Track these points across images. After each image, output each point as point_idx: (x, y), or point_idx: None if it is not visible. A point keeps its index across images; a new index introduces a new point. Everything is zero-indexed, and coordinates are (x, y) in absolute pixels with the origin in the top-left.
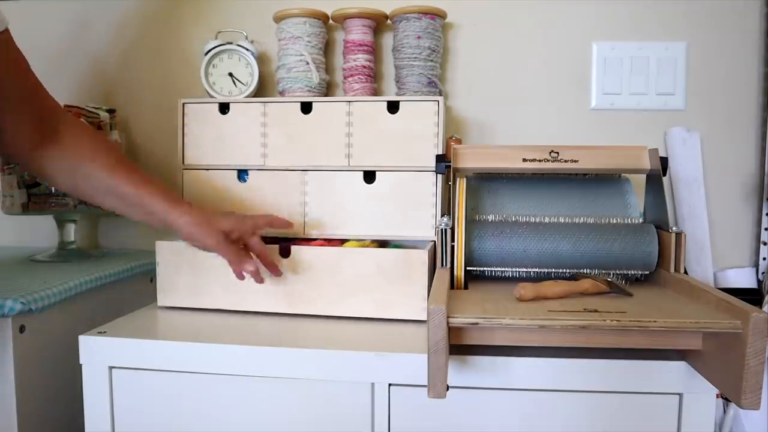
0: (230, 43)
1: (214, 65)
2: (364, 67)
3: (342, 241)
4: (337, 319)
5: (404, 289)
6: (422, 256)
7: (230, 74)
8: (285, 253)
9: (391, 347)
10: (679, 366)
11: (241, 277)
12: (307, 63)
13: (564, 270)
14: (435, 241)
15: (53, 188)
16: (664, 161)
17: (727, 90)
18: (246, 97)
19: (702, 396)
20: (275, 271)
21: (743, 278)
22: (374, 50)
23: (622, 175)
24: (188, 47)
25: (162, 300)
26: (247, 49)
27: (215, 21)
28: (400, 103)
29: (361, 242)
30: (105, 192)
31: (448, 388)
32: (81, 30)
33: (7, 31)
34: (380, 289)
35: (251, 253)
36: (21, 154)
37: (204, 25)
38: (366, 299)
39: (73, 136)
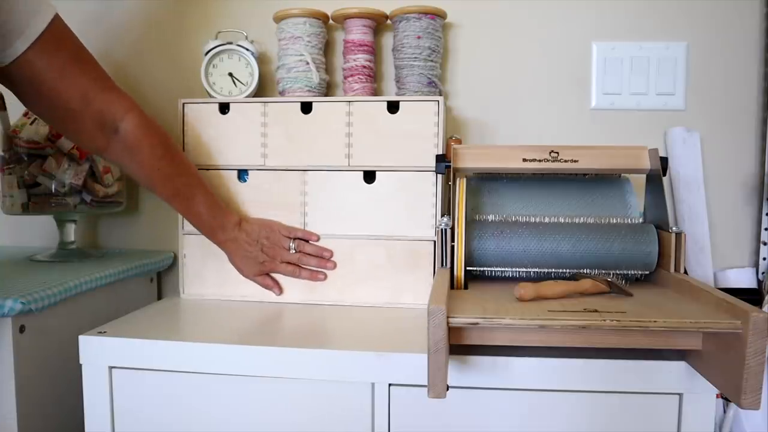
0: (230, 43)
1: (214, 65)
2: (364, 67)
3: None
4: (350, 307)
5: (414, 276)
6: (428, 247)
7: (230, 74)
8: None
9: (397, 344)
10: (679, 366)
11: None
12: (307, 63)
13: (564, 270)
14: (435, 241)
15: (54, 188)
16: (664, 161)
17: (727, 90)
18: (246, 97)
19: (702, 396)
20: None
21: (743, 278)
22: (374, 50)
23: (622, 175)
24: (188, 47)
25: (188, 290)
26: (247, 49)
27: (215, 21)
28: (400, 103)
29: None
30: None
31: (448, 388)
32: (80, 30)
33: (46, 34)
34: (390, 277)
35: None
36: (100, 154)
37: (204, 25)
38: (377, 286)
39: (133, 142)
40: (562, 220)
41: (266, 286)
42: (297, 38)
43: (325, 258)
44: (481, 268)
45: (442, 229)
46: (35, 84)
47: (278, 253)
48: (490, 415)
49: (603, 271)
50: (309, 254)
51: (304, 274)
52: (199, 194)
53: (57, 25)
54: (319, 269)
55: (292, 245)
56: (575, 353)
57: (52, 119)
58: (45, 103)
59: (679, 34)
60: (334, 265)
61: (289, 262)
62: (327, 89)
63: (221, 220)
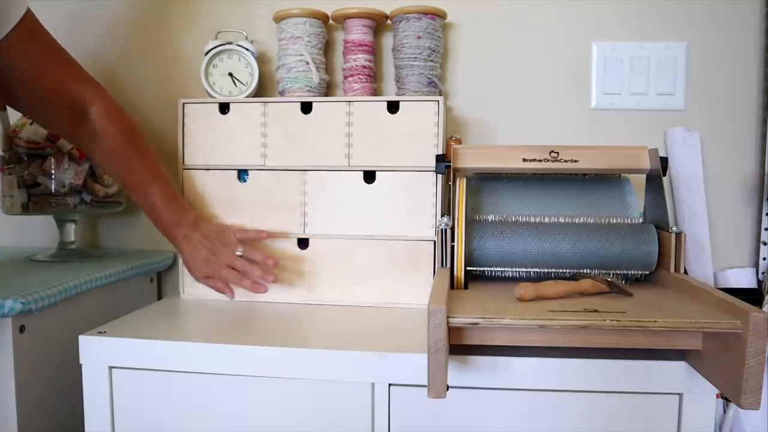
0: (230, 43)
1: (214, 65)
2: (364, 67)
3: None
4: (350, 307)
5: (414, 276)
6: (428, 247)
7: (230, 74)
8: (303, 245)
9: (397, 344)
10: (679, 366)
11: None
12: (307, 63)
13: (564, 270)
14: (435, 241)
15: (54, 188)
16: (664, 161)
17: (727, 90)
18: (246, 97)
19: (702, 396)
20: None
21: (743, 278)
22: (374, 50)
23: (622, 175)
24: (188, 47)
25: (188, 290)
26: (247, 49)
27: (215, 21)
28: (400, 103)
29: None
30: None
31: (448, 388)
32: (80, 29)
33: (21, 24)
34: (390, 277)
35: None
36: (68, 139)
37: (204, 25)
38: (377, 286)
39: (99, 127)
40: (562, 220)
41: (217, 289)
42: (297, 38)
43: (268, 266)
44: (481, 268)
45: (442, 229)
46: (13, 71)
47: (225, 256)
48: (490, 415)
49: (603, 271)
50: (255, 262)
51: (246, 283)
52: (158, 186)
53: (31, 17)
54: (261, 281)
55: (239, 250)
56: (575, 353)
57: (25, 107)
58: (19, 92)
59: (679, 34)
60: (275, 278)
61: (233, 268)
62: (327, 89)
63: (177, 217)
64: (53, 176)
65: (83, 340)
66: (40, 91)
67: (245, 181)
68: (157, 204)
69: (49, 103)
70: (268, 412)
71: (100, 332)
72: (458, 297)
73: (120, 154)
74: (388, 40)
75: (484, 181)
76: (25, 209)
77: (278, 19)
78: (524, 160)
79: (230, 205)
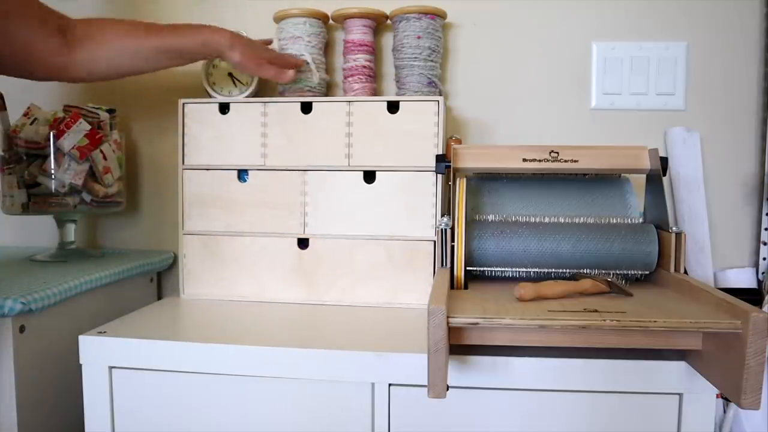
0: None
1: (214, 65)
2: (364, 67)
3: None
4: (350, 307)
5: (414, 276)
6: (428, 247)
7: (230, 74)
8: (303, 245)
9: (397, 344)
10: (679, 366)
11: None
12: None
13: (564, 270)
14: (435, 241)
15: (54, 188)
16: (664, 161)
17: (727, 90)
18: (246, 97)
19: (702, 396)
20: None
21: (743, 278)
22: (374, 50)
23: (622, 175)
24: None
25: (188, 290)
26: None
27: (215, 21)
28: (400, 103)
29: None
30: (149, 59)
31: (448, 388)
32: None
33: None
34: (390, 277)
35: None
36: (57, 69)
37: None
38: (377, 286)
39: (91, 28)
40: (562, 220)
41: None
42: (297, 38)
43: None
44: (481, 268)
45: (442, 229)
46: None
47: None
48: (490, 415)
49: (603, 271)
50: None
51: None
52: (174, 37)
53: None
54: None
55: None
56: (575, 353)
57: (11, 52)
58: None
59: (679, 34)
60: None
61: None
62: (327, 89)
63: (209, 35)
64: (53, 176)
65: (83, 340)
66: (31, 9)
67: (245, 181)
68: (190, 49)
69: (38, 21)
70: (268, 412)
71: (100, 332)
72: (458, 297)
73: (128, 32)
74: (388, 40)
75: (484, 181)
76: (25, 209)
77: (278, 19)
78: (524, 160)
79: (230, 205)
